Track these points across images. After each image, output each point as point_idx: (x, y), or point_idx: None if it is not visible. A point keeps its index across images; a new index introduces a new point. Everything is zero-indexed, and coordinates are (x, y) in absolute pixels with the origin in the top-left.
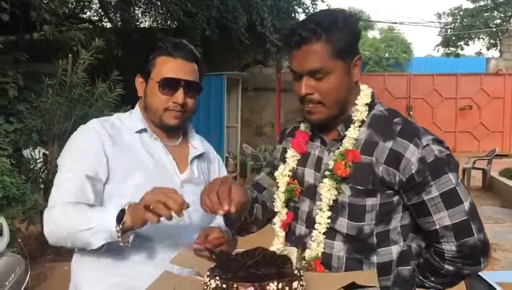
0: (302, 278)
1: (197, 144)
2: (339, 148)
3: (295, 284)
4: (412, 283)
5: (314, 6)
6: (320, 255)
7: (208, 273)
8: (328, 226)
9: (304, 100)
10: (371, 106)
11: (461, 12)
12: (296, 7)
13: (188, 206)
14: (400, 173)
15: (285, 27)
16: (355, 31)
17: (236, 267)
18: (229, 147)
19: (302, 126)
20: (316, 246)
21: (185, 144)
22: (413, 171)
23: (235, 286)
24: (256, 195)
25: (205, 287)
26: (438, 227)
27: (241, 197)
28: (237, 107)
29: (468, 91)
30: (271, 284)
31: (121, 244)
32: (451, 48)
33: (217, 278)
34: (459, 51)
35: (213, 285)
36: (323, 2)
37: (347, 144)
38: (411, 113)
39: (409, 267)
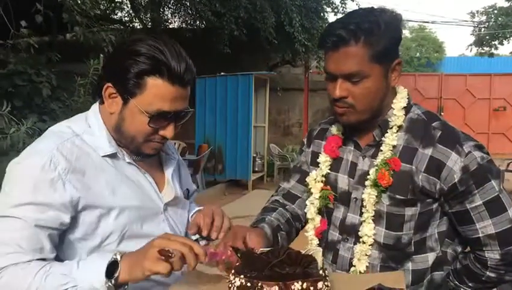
0: (327, 278)
1: (169, 147)
2: (374, 154)
3: (320, 284)
4: (444, 287)
5: (343, 5)
6: (366, 269)
7: (233, 271)
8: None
9: (335, 101)
10: (407, 108)
11: (495, 11)
12: (325, 7)
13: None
14: (441, 182)
15: (314, 27)
16: (396, 35)
17: (261, 266)
18: (256, 147)
19: (334, 129)
20: (362, 260)
21: None
22: (456, 180)
23: (259, 284)
24: (278, 224)
25: (230, 286)
26: (481, 235)
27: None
28: (265, 107)
29: (502, 92)
30: (295, 283)
31: None
32: (485, 48)
33: (242, 276)
34: (493, 50)
35: (237, 283)
36: (353, 1)
37: (387, 151)
38: (442, 114)
39: (442, 272)
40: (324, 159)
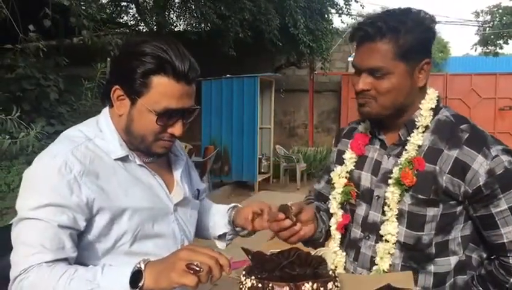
0: (337, 279)
1: (177, 149)
2: (399, 153)
3: (330, 285)
4: None
5: (347, 7)
6: (389, 268)
7: (244, 272)
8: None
9: (358, 94)
10: (435, 110)
11: (500, 10)
12: (329, 8)
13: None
14: (466, 184)
15: (319, 28)
16: (426, 35)
17: (272, 267)
18: (262, 149)
19: (361, 127)
20: (385, 259)
21: None
22: (481, 183)
23: (270, 285)
24: (318, 205)
25: (241, 286)
26: (505, 241)
27: (308, 211)
28: (270, 109)
29: (507, 91)
30: (306, 284)
31: None
32: (489, 47)
33: (253, 277)
34: (498, 49)
35: (249, 284)
36: (357, 2)
37: (412, 151)
38: (463, 115)
39: (465, 276)
40: (350, 156)
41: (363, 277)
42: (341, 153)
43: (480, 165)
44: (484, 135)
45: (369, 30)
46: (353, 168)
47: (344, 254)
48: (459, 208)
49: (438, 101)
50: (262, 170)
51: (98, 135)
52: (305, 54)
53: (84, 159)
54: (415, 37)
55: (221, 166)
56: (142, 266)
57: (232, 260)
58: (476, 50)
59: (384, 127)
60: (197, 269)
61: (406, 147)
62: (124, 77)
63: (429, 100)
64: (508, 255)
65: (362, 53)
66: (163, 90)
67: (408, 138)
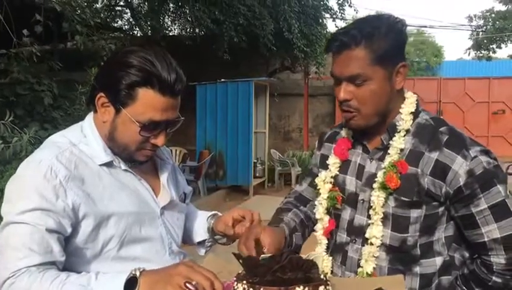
0: (328, 282)
1: (163, 153)
2: (382, 157)
3: (321, 288)
4: None
5: (341, 11)
6: (373, 270)
7: (236, 277)
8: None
9: (342, 105)
10: (415, 114)
11: (493, 15)
12: (323, 13)
13: None
14: (447, 185)
15: (313, 33)
16: (400, 38)
17: (263, 271)
18: (257, 153)
19: (344, 132)
20: (369, 262)
21: None
22: (461, 183)
23: (261, 289)
24: (294, 225)
25: None
26: (486, 239)
27: (277, 243)
28: (265, 113)
29: (501, 95)
30: (297, 288)
31: None
32: (483, 51)
33: (244, 282)
34: (491, 54)
35: (240, 289)
36: (351, 7)
37: (395, 155)
38: (441, 118)
39: (449, 276)
40: (333, 161)
41: (354, 281)
42: (325, 157)
43: (460, 166)
44: (463, 137)
45: (343, 39)
46: (337, 173)
47: (330, 258)
48: (441, 209)
49: (417, 104)
50: (257, 174)
51: (82, 141)
52: (299, 58)
53: (69, 164)
54: (389, 41)
55: (216, 170)
56: (137, 274)
57: (225, 283)
58: (469, 54)
59: (367, 132)
60: (193, 289)
61: (389, 151)
62: (110, 86)
63: (409, 104)
64: (489, 253)
65: (340, 62)
66: (148, 102)
67: (390, 142)
